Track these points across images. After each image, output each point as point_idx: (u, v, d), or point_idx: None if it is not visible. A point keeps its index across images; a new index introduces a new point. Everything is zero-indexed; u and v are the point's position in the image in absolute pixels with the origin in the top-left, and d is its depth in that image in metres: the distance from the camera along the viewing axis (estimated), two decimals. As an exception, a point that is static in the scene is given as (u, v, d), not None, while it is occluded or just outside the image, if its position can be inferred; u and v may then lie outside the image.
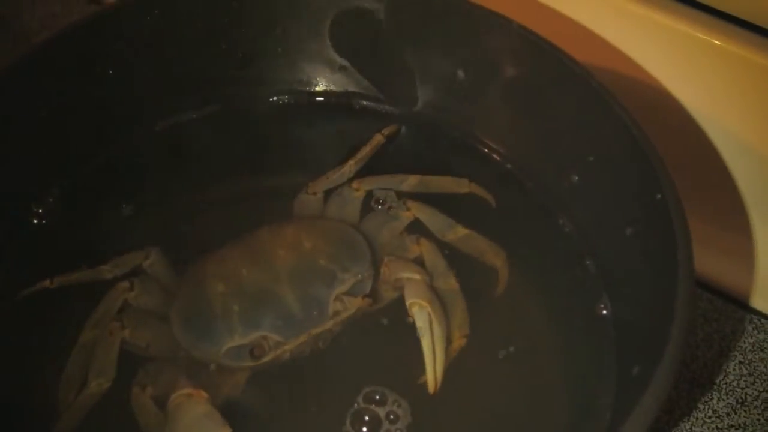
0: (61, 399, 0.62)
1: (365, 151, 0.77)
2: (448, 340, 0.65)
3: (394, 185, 0.75)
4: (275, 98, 0.82)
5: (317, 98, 0.83)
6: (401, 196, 0.74)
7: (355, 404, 0.63)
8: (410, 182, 0.75)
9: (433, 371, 0.62)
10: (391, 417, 0.62)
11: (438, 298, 0.66)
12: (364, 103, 0.82)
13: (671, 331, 0.50)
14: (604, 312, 0.66)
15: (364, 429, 0.62)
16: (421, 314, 0.63)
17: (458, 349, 0.65)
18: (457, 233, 0.72)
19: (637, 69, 0.73)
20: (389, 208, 0.73)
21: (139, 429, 0.60)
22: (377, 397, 0.63)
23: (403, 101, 0.80)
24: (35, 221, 0.71)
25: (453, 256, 0.70)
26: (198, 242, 0.71)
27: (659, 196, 0.58)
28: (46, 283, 0.67)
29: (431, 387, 0.62)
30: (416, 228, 0.72)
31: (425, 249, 0.70)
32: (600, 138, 0.66)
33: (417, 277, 0.66)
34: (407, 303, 0.64)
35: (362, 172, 0.76)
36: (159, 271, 0.70)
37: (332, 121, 0.84)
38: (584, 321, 0.67)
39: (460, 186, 0.75)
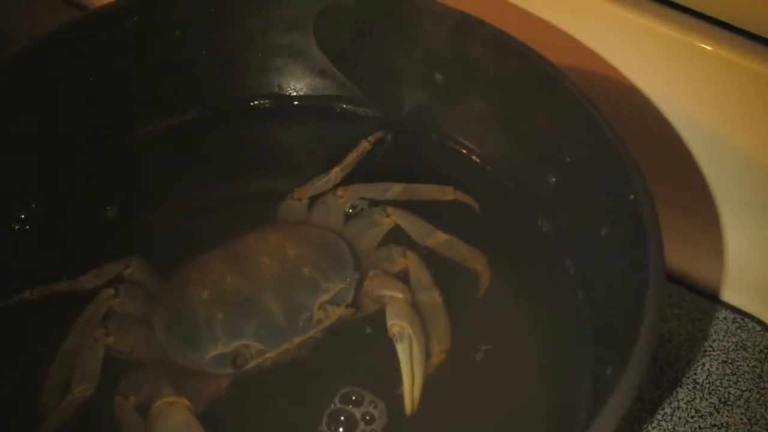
0: (43, 404, 0.62)
1: (351, 157, 0.77)
2: (428, 354, 0.65)
3: (378, 194, 0.75)
4: (256, 102, 0.83)
5: (299, 102, 0.83)
6: (383, 203, 0.74)
7: (332, 405, 0.63)
8: (395, 191, 0.75)
9: (410, 393, 0.62)
10: (367, 418, 0.62)
11: (420, 313, 0.66)
12: (348, 107, 0.82)
13: (641, 329, 0.50)
14: (582, 312, 0.66)
15: (341, 429, 0.62)
16: (402, 336, 0.63)
17: (437, 364, 0.65)
18: (437, 239, 0.72)
19: (610, 68, 0.73)
20: (364, 213, 0.74)
21: None
22: (353, 397, 0.63)
23: (387, 105, 0.81)
24: (17, 227, 0.72)
25: (433, 259, 0.71)
26: (182, 247, 0.71)
27: (632, 197, 0.58)
28: (27, 294, 0.67)
29: (408, 409, 0.62)
30: (397, 234, 0.73)
31: (411, 262, 0.70)
32: (575, 139, 0.66)
33: (399, 296, 0.66)
34: (388, 323, 0.64)
35: (348, 178, 0.77)
36: (141, 279, 0.70)
37: (315, 126, 0.84)
38: (563, 321, 0.67)
39: (445, 193, 0.75)
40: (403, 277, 0.69)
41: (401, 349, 0.63)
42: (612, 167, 0.61)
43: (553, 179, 0.70)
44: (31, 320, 0.67)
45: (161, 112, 0.79)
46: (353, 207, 0.75)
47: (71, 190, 0.75)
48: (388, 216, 0.73)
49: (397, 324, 0.64)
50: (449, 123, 0.79)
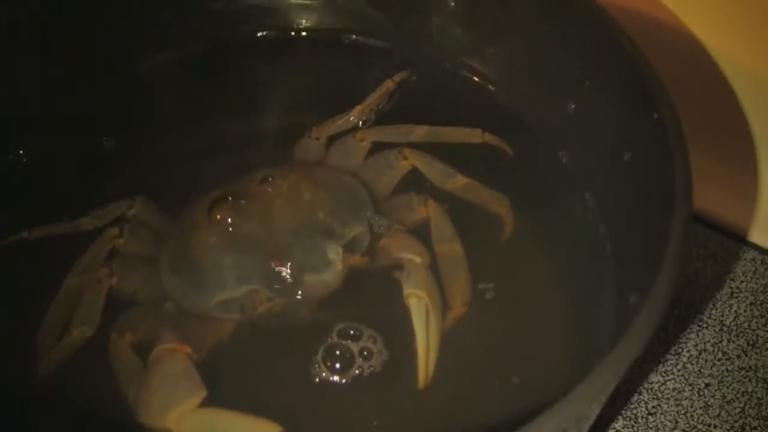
0: (41, 344, 0.60)
1: (374, 97, 0.74)
2: (448, 307, 0.62)
3: (401, 137, 0.72)
4: (262, 34, 0.80)
5: (308, 33, 0.80)
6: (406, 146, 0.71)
7: (329, 339, 0.61)
8: (419, 133, 0.72)
9: (425, 367, 0.59)
10: (365, 353, 0.60)
11: (440, 264, 0.64)
12: (360, 38, 0.80)
13: (667, 249, 0.48)
14: (604, 244, 0.64)
15: (337, 365, 0.60)
16: (419, 307, 0.60)
17: (458, 318, 0.62)
18: (457, 182, 0.69)
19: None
20: (380, 155, 0.71)
21: (114, 377, 0.58)
22: (352, 332, 0.61)
23: (406, 35, 0.78)
24: (12, 158, 0.70)
25: (453, 202, 0.68)
26: (190, 186, 0.69)
27: (656, 115, 0.55)
28: (24, 234, 0.65)
29: (421, 382, 0.59)
30: (415, 177, 0.70)
31: (432, 212, 0.66)
32: (595, 60, 0.63)
33: (417, 260, 0.62)
34: (405, 291, 0.60)
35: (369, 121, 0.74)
36: (145, 219, 0.67)
37: (327, 60, 0.81)
38: (584, 254, 0.65)
39: (473, 136, 0.72)
40: (422, 228, 0.66)
41: (417, 320, 0.59)
42: (634, 85, 0.58)
43: (573, 106, 0.68)
44: (29, 261, 0.65)
45: (161, 45, 0.76)
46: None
47: (71, 124, 0.72)
48: (405, 158, 0.70)
49: (414, 293, 0.60)
50: (468, 53, 0.76)
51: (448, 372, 0.59)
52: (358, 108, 0.73)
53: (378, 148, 0.71)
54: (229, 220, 0.63)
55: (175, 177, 0.71)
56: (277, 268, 0.61)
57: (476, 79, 0.76)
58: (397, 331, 0.60)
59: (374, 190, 0.69)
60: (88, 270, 0.64)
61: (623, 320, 0.54)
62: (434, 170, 0.69)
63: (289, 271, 0.61)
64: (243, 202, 0.63)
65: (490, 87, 0.76)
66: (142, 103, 0.75)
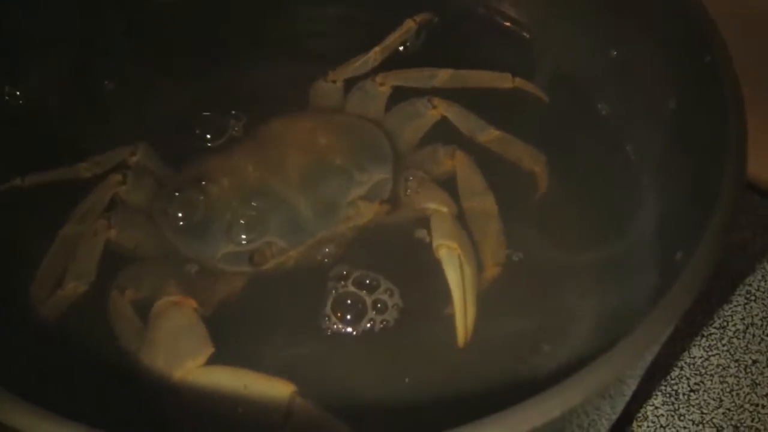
0: (34, 296, 0.61)
1: (393, 37, 0.74)
2: (480, 268, 0.61)
3: (423, 81, 0.71)
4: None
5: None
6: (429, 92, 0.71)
7: (341, 289, 0.61)
8: (442, 77, 0.71)
9: (463, 323, 0.58)
10: (379, 306, 0.60)
11: (471, 222, 0.63)
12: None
13: (716, 203, 0.47)
14: (646, 201, 0.64)
15: (348, 316, 0.60)
16: (450, 257, 0.59)
17: (491, 279, 0.62)
18: (490, 135, 0.68)
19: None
20: (406, 102, 0.71)
21: (114, 336, 0.58)
22: (368, 281, 0.61)
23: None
24: (11, 102, 0.71)
25: (482, 157, 0.67)
26: (197, 133, 0.70)
27: (708, 58, 0.55)
28: (17, 182, 0.66)
29: (461, 341, 0.58)
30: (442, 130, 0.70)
31: (461, 163, 0.66)
32: (640, 3, 0.63)
33: (444, 209, 0.62)
34: (434, 243, 0.60)
35: (388, 67, 0.73)
36: (149, 167, 0.68)
37: (360, 4, 0.81)
38: (624, 212, 0.65)
39: (503, 81, 0.71)
40: (448, 181, 0.66)
41: (451, 273, 0.59)
42: (683, 26, 0.57)
43: (615, 52, 0.68)
44: (25, 209, 0.65)
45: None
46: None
47: (71, 65, 0.73)
48: (434, 107, 0.69)
49: (445, 244, 0.60)
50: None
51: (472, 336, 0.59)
52: (377, 49, 0.73)
53: (400, 94, 0.71)
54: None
55: (179, 124, 0.71)
56: (290, 218, 0.62)
57: (509, 24, 0.77)
58: (414, 286, 0.61)
59: (399, 141, 0.69)
60: (86, 219, 0.64)
61: (667, 279, 0.53)
62: (466, 121, 0.69)
63: (303, 220, 0.62)
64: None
65: (524, 34, 0.76)
66: (147, 45, 0.76)
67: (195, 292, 0.59)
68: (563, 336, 0.60)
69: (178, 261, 0.63)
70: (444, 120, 0.70)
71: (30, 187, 0.66)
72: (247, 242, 0.61)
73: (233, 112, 0.71)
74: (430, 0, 0.78)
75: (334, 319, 0.60)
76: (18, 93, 0.71)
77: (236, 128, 0.70)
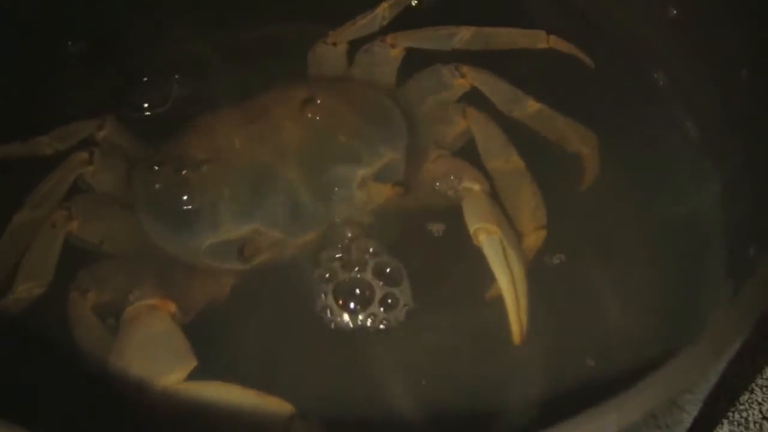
0: None
1: None
2: (521, 235, 0.59)
3: (442, 41, 0.69)
4: None
5: None
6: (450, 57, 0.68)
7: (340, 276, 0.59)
8: (464, 37, 0.69)
9: (517, 317, 0.56)
10: (389, 301, 0.58)
11: (499, 184, 0.62)
12: None
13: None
14: (710, 187, 0.61)
15: (352, 304, 0.58)
16: (492, 243, 0.57)
17: (537, 247, 0.60)
18: (528, 108, 0.66)
19: None
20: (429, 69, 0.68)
21: (74, 346, 0.55)
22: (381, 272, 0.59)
23: None
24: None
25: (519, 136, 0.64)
26: (178, 107, 0.68)
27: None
28: None
29: (516, 337, 0.55)
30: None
31: (474, 120, 0.64)
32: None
33: (476, 187, 0.60)
34: (471, 228, 0.58)
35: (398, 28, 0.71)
36: (119, 143, 0.65)
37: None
38: (684, 201, 0.63)
39: (535, 40, 0.69)
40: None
41: (495, 260, 0.56)
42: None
43: (674, 11, 0.65)
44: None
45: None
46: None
47: (31, 23, 0.70)
48: (462, 76, 0.67)
49: (483, 227, 0.57)
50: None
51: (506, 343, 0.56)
52: (385, 4, 0.71)
53: (415, 58, 0.69)
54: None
55: (157, 95, 0.69)
56: (286, 203, 0.59)
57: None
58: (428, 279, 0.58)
59: (417, 115, 0.66)
60: (42, 205, 0.61)
61: (737, 279, 0.52)
62: (499, 92, 0.67)
63: (302, 206, 0.59)
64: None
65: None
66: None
67: (174, 295, 0.56)
68: (610, 350, 0.57)
69: (153, 258, 0.60)
70: (473, 91, 0.67)
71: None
72: (237, 232, 0.58)
73: (218, 78, 0.70)
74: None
75: (336, 310, 0.57)
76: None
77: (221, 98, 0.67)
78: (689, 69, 0.65)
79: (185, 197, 0.59)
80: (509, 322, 0.55)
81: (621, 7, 0.70)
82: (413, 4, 0.72)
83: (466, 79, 0.67)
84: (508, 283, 0.56)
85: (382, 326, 0.57)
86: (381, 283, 0.58)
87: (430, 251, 0.60)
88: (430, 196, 0.62)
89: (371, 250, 0.60)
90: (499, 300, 0.56)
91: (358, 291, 0.58)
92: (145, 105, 0.68)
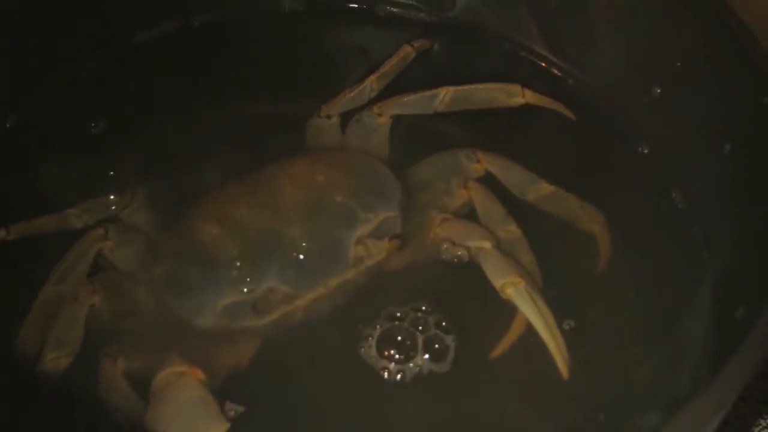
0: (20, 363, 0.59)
1: (390, 64, 0.75)
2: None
3: (423, 105, 0.72)
4: (282, 2, 0.81)
5: (333, 3, 0.82)
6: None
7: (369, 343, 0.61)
8: (444, 98, 0.72)
9: (560, 355, 0.59)
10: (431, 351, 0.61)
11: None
12: (391, 9, 0.81)
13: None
14: (698, 252, 0.65)
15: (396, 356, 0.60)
16: (520, 294, 0.60)
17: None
18: (541, 191, 0.68)
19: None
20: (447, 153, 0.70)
21: (108, 413, 0.57)
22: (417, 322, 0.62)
23: (438, 4, 0.79)
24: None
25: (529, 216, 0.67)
26: (185, 184, 0.70)
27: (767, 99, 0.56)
28: (2, 233, 0.65)
29: (563, 370, 0.59)
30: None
31: (475, 193, 0.67)
32: (689, 36, 0.65)
33: (487, 245, 0.63)
34: (497, 285, 0.61)
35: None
36: (141, 219, 0.68)
37: (353, 33, 0.83)
38: (672, 263, 0.66)
39: (511, 95, 0.71)
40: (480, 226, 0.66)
41: (528, 309, 0.60)
42: (740, 65, 0.59)
43: (659, 90, 0.69)
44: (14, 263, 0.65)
45: (163, 15, 0.79)
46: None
47: (58, 104, 0.74)
48: (477, 161, 0.69)
49: (508, 282, 0.61)
50: (520, 27, 0.77)
51: (526, 408, 0.60)
52: (372, 78, 0.74)
53: (403, 124, 0.72)
54: None
55: (166, 172, 0.72)
56: (292, 260, 0.62)
57: (537, 60, 0.78)
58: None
59: (430, 194, 0.69)
60: (66, 279, 0.63)
61: (727, 333, 0.56)
62: (513, 176, 0.69)
63: (308, 263, 0.62)
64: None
65: (554, 71, 0.77)
66: (136, 81, 0.77)
67: (200, 362, 0.58)
68: (619, 407, 0.60)
69: (176, 329, 0.62)
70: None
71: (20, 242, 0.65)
72: (249, 292, 0.61)
73: (226, 156, 0.72)
74: (438, 28, 0.80)
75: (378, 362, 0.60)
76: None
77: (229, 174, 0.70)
78: (672, 141, 0.69)
79: (198, 263, 0.62)
80: (554, 360, 0.59)
81: (610, 88, 0.73)
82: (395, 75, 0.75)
83: (481, 164, 0.69)
84: (545, 328, 0.60)
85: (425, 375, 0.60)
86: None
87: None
88: (436, 251, 0.65)
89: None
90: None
91: (400, 339, 0.60)
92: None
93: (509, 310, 0.61)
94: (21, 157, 0.71)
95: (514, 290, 0.61)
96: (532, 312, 0.60)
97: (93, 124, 0.74)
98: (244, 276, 0.61)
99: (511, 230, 0.66)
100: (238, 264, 0.61)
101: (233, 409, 0.57)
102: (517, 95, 0.72)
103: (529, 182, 0.68)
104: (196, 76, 0.77)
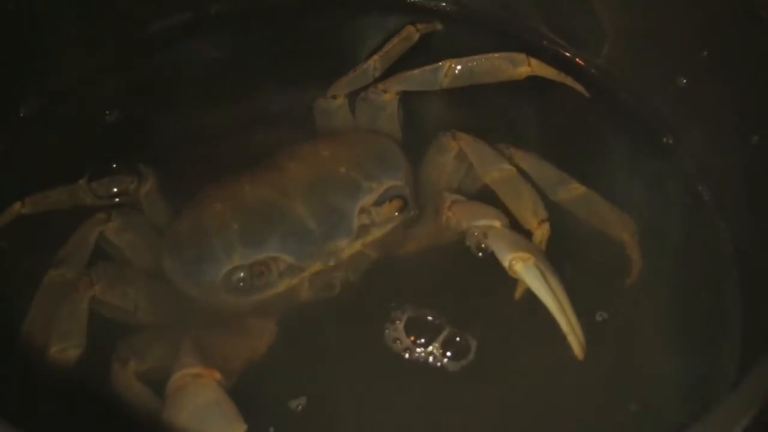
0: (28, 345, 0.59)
1: (393, 43, 0.75)
2: (530, 231, 0.63)
3: (427, 81, 0.72)
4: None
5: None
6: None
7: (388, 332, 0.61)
8: (448, 73, 0.71)
9: (574, 335, 0.58)
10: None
11: (498, 191, 0.65)
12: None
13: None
14: (725, 248, 0.65)
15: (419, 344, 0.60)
16: (529, 269, 0.59)
17: (545, 239, 0.63)
18: (572, 191, 0.68)
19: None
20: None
21: (126, 416, 0.56)
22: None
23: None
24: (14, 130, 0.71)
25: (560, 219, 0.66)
26: (198, 172, 0.70)
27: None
28: (17, 206, 0.66)
29: (579, 353, 0.58)
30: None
31: (465, 142, 0.67)
32: (715, 26, 0.64)
33: (497, 224, 0.62)
34: (506, 262, 0.60)
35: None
36: (152, 203, 0.68)
37: (365, 22, 0.83)
38: (699, 261, 0.65)
39: (517, 64, 0.71)
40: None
41: (537, 284, 0.59)
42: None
43: (684, 80, 0.68)
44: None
45: (178, 4, 0.79)
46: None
47: (73, 94, 0.75)
48: (510, 158, 0.68)
49: (517, 257, 0.60)
50: (537, 15, 0.77)
51: (556, 397, 0.59)
52: (375, 57, 0.74)
53: (411, 100, 0.72)
54: None
55: (179, 159, 0.72)
56: (293, 230, 0.62)
57: (556, 48, 0.78)
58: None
59: (462, 185, 0.69)
60: (69, 265, 0.63)
61: (755, 334, 0.57)
62: (545, 174, 0.69)
63: (308, 232, 0.62)
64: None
65: (576, 59, 0.77)
66: (149, 72, 0.78)
67: (215, 359, 0.57)
68: (649, 398, 0.60)
69: (187, 325, 0.61)
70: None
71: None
72: (249, 258, 0.61)
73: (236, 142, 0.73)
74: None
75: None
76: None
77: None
78: (698, 133, 0.69)
79: (199, 236, 0.62)
80: (568, 341, 0.58)
81: (634, 78, 0.73)
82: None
83: (513, 160, 0.68)
84: (555, 302, 0.59)
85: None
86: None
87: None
88: (452, 235, 0.65)
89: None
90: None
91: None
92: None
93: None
94: (36, 147, 0.72)
95: (523, 266, 0.60)
96: (542, 290, 0.59)
97: (107, 113, 0.74)
98: (245, 244, 0.61)
99: (506, 168, 0.66)
100: (240, 234, 0.62)
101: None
102: (522, 64, 0.71)
103: (560, 181, 0.68)
104: (210, 66, 0.78)
